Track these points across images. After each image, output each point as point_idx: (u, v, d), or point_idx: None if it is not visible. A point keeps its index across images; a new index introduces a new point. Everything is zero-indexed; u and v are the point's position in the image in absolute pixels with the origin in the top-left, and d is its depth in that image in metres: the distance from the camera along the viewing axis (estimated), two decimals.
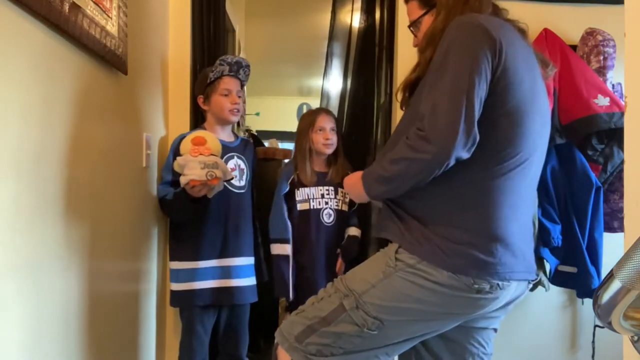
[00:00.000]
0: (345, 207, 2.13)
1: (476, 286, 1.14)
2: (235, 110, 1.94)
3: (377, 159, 1.30)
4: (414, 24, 1.38)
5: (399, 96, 1.36)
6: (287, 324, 1.29)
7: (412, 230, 1.19)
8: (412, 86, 1.30)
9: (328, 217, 2.08)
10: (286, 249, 2.05)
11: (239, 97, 1.96)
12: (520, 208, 1.21)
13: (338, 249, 2.10)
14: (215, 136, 1.84)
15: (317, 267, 2.05)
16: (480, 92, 1.10)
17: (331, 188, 2.11)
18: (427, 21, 1.32)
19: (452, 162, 1.09)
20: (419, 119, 1.12)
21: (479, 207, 1.16)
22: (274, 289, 2.09)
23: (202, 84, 1.97)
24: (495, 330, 1.35)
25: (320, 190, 2.10)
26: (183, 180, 1.72)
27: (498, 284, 1.15)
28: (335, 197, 2.10)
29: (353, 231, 2.15)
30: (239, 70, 1.96)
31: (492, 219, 1.16)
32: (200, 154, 1.73)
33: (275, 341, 1.30)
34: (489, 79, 1.11)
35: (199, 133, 1.81)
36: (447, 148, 1.07)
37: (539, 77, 1.25)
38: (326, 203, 2.09)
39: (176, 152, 1.86)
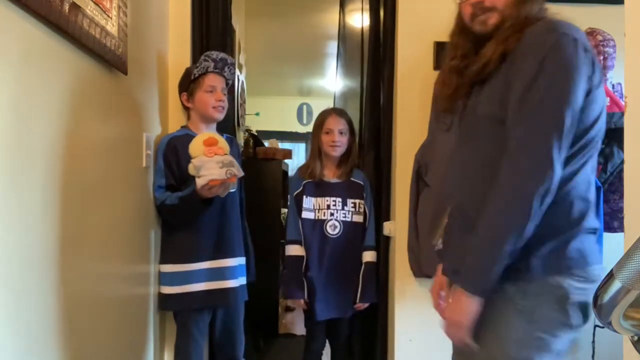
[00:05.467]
0: (358, 219, 2.08)
1: None
2: (220, 108, 1.90)
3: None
4: None
5: (455, 87, 1.22)
6: None
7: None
8: (475, 81, 1.19)
9: (333, 229, 2.05)
10: (301, 250, 2.05)
11: (224, 94, 1.92)
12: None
13: (349, 265, 2.06)
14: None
15: (321, 275, 2.04)
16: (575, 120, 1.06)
17: (339, 199, 2.07)
18: None
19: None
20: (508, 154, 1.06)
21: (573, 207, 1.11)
22: (286, 292, 2.07)
23: (185, 81, 1.92)
24: None
25: (327, 200, 2.07)
26: (201, 181, 1.68)
27: None
28: (343, 209, 2.06)
29: (368, 257, 2.07)
30: (224, 67, 1.92)
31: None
32: (216, 154, 1.71)
33: None
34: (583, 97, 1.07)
35: (207, 134, 1.79)
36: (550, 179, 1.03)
37: None
38: (331, 214, 2.05)
39: (167, 154, 1.83)
